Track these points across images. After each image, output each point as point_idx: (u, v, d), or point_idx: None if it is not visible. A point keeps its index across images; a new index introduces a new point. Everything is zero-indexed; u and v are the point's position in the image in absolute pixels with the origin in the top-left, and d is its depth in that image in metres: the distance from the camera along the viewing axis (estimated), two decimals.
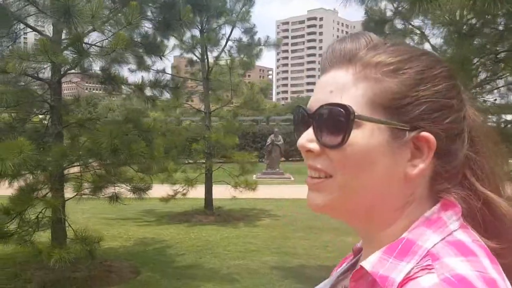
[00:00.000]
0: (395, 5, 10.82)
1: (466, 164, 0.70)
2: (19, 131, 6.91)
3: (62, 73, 5.82)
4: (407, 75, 0.67)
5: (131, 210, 11.14)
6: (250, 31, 11.36)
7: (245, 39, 11.49)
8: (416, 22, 11.78)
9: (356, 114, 0.65)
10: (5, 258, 7.11)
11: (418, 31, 11.51)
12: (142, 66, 8.39)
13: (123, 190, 6.63)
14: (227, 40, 11.21)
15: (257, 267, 6.81)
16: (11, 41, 6.03)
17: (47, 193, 6.18)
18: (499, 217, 0.69)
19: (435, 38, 11.88)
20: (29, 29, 6.23)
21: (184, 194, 10.95)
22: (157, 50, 6.54)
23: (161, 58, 6.79)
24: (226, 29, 11.35)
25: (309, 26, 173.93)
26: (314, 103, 0.71)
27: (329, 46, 0.75)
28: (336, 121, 0.66)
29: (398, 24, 12.51)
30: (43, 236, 6.28)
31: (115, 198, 6.06)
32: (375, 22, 11.76)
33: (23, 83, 6.32)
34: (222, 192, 12.01)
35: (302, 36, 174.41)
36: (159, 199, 11.12)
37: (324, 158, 0.69)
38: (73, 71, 6.31)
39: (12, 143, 4.59)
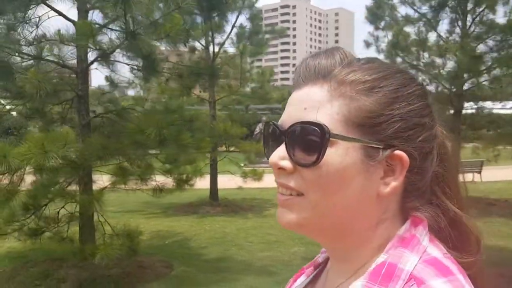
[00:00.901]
0: None
1: (434, 180, 0.71)
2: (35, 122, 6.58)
3: (91, 60, 5.48)
4: (381, 94, 0.66)
5: (131, 201, 10.83)
6: (255, 17, 11.10)
7: (249, 26, 11.23)
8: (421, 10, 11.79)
9: (331, 133, 0.64)
10: (22, 257, 6.77)
11: (424, 19, 11.50)
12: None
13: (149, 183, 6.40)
14: (233, 26, 10.91)
15: (289, 259, 6.67)
16: (34, 26, 5.64)
17: (66, 186, 5.87)
18: (465, 233, 0.71)
19: (441, 25, 11.91)
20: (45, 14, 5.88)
21: (191, 185, 10.68)
22: (186, 36, 6.23)
23: (185, 45, 6.48)
24: (231, 16, 11.03)
25: (282, 14, 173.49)
26: (287, 120, 0.69)
27: (302, 61, 0.73)
28: (310, 140, 0.65)
29: (403, 11, 12.48)
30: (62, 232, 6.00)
31: (158, 190, 5.80)
32: (381, 9, 11.68)
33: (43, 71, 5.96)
34: (224, 182, 11.84)
35: (276, 24, 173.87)
36: (149, 191, 10.84)
37: (296, 177, 0.67)
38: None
39: (56, 134, 4.28)
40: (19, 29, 5.66)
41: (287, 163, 0.67)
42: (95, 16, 5.64)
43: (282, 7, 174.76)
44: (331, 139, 0.64)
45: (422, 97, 0.69)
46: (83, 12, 5.57)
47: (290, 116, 0.69)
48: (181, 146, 4.81)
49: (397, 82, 0.68)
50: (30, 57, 5.10)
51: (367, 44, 12.65)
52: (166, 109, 5.37)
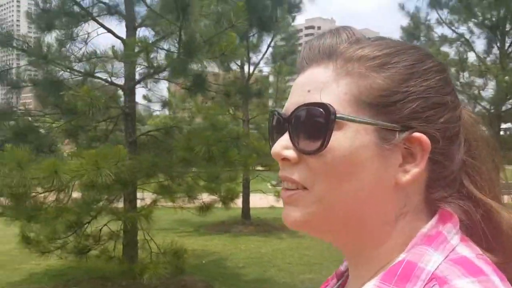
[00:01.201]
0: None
1: (463, 169, 0.63)
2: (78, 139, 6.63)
3: (139, 77, 5.51)
4: (395, 70, 0.59)
5: (164, 220, 10.76)
6: (292, 37, 11.12)
7: (284, 45, 11.26)
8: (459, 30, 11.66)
9: (337, 113, 0.57)
10: (61, 275, 6.77)
11: (463, 39, 11.37)
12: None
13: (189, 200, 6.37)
14: (269, 46, 10.94)
15: None
16: (82, 43, 5.73)
17: (110, 204, 5.87)
18: (500, 227, 0.61)
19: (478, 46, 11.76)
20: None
21: (227, 203, 10.63)
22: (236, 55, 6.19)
23: (228, 64, 6.47)
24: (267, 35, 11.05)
25: (306, 35, 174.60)
26: (290, 106, 0.62)
27: (306, 44, 0.67)
28: (314, 123, 0.59)
29: (440, 31, 12.36)
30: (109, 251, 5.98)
31: (205, 207, 5.76)
32: (418, 29, 11.60)
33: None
34: (255, 201, 11.76)
35: (300, 45, 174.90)
36: (196, 209, 10.82)
37: (301, 168, 0.60)
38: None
39: (108, 150, 4.27)
40: (68, 45, 5.75)
41: (291, 153, 0.61)
42: (143, 33, 5.66)
43: (307, 27, 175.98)
44: (338, 120, 0.57)
45: (441, 73, 0.62)
46: (131, 29, 5.62)
47: (293, 101, 0.62)
48: (229, 163, 4.76)
49: (412, 58, 0.61)
50: (80, 74, 5.15)
51: None
52: (213, 126, 5.34)
